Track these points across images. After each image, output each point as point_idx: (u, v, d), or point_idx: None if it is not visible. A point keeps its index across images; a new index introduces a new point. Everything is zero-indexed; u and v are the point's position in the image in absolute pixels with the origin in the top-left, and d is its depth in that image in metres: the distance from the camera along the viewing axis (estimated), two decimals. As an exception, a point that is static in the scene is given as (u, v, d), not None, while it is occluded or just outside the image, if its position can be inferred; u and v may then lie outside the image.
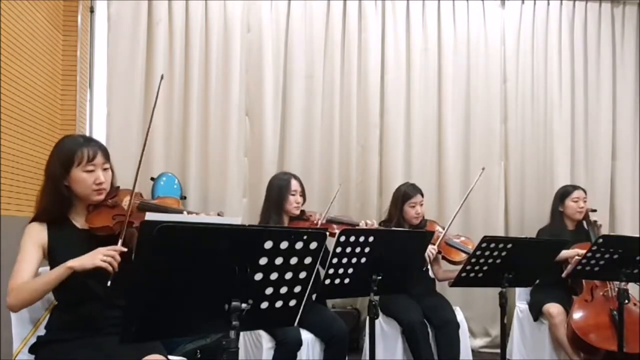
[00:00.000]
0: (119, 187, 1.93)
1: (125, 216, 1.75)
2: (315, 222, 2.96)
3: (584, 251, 2.98)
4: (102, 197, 1.83)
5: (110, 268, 1.63)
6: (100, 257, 1.63)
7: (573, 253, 3.04)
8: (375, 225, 2.99)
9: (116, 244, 1.74)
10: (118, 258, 1.65)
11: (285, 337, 2.52)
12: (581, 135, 4.28)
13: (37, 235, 1.79)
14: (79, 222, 1.85)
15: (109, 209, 1.84)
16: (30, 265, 1.74)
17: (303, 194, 3.00)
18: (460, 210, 4.00)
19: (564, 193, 3.50)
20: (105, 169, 1.84)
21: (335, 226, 2.93)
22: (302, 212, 3.01)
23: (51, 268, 1.80)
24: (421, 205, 3.22)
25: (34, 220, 1.82)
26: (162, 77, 2.06)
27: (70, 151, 1.79)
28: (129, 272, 1.71)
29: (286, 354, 2.53)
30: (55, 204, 1.80)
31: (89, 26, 3.88)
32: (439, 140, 4.15)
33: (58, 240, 1.80)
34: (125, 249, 1.69)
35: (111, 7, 3.81)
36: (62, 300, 1.83)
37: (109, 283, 1.63)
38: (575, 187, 3.51)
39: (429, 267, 3.20)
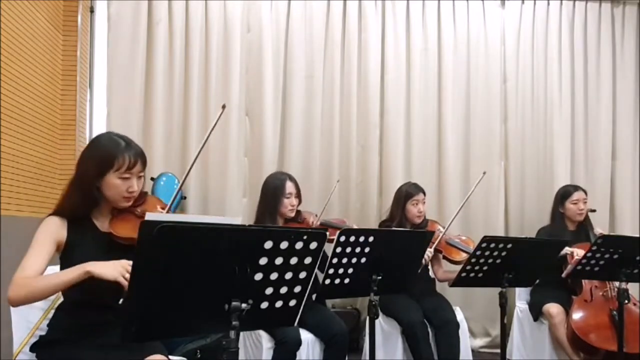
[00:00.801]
0: (146, 192, 1.89)
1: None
2: (309, 224, 2.95)
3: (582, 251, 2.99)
4: (129, 203, 1.79)
5: (126, 284, 1.51)
6: (122, 272, 1.55)
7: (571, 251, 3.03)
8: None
9: (133, 250, 1.71)
10: None
11: (284, 337, 2.52)
12: (581, 135, 4.28)
13: (56, 230, 1.72)
14: (101, 224, 1.80)
15: (136, 219, 1.77)
16: (41, 260, 1.65)
17: (299, 196, 2.96)
18: (460, 211, 4.02)
19: (564, 194, 3.49)
20: (139, 177, 1.79)
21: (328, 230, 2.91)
22: (299, 212, 2.99)
23: (61, 267, 1.76)
24: (423, 203, 3.22)
25: (54, 214, 1.75)
26: (224, 107, 2.05)
27: (111, 155, 1.72)
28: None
29: (285, 354, 2.52)
30: (83, 203, 1.75)
31: (89, 26, 3.88)
32: (439, 140, 4.15)
33: (77, 240, 1.74)
34: None
35: (111, 7, 3.81)
36: (70, 299, 1.79)
37: (121, 300, 1.57)
38: (575, 188, 3.49)
39: (429, 267, 3.20)
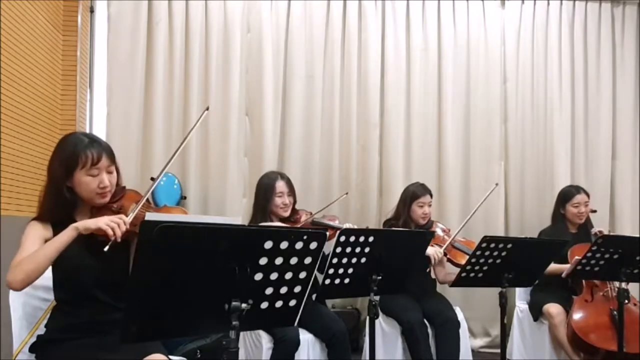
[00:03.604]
0: (124, 187, 1.88)
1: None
2: (300, 222, 2.91)
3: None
4: (106, 199, 1.79)
5: (110, 232, 1.59)
6: (104, 221, 1.61)
7: (563, 268, 3.02)
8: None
9: (119, 250, 1.72)
10: (123, 229, 1.62)
11: (284, 336, 2.52)
12: (581, 135, 4.28)
13: (41, 233, 1.74)
14: None
15: (113, 214, 1.76)
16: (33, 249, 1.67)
17: (292, 194, 2.93)
18: (460, 211, 4.02)
19: (565, 196, 3.47)
20: (109, 172, 1.78)
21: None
22: (296, 211, 2.98)
23: (53, 270, 1.78)
24: (429, 205, 3.22)
25: (36, 219, 1.77)
26: (207, 109, 2.15)
27: (74, 153, 1.72)
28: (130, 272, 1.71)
29: (284, 354, 2.52)
30: (58, 206, 1.75)
31: (89, 26, 3.88)
32: (439, 140, 4.15)
33: None
34: (128, 227, 1.64)
35: (111, 7, 3.81)
36: (61, 300, 1.81)
37: (106, 248, 1.58)
38: (578, 190, 3.45)
39: (430, 267, 3.20)
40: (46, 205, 1.77)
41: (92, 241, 1.74)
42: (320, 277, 1.96)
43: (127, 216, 1.72)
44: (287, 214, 2.91)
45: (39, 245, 1.69)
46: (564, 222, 3.46)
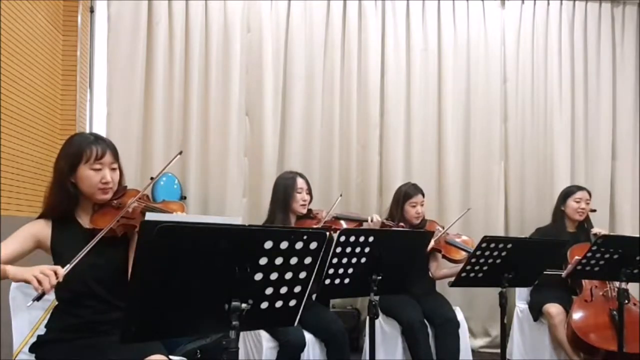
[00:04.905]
0: (126, 186, 1.91)
1: (121, 216, 1.73)
2: (320, 220, 2.95)
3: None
4: (108, 196, 1.81)
5: (36, 284, 1.52)
6: (33, 272, 1.54)
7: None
8: (380, 220, 3.05)
9: (120, 245, 1.74)
10: (53, 281, 1.54)
11: (288, 338, 2.52)
12: (581, 135, 4.29)
13: (37, 230, 1.78)
14: (85, 221, 1.83)
15: (114, 211, 1.81)
16: (8, 249, 1.71)
17: (310, 192, 2.99)
18: (460, 211, 4.02)
19: (567, 192, 3.50)
20: (113, 169, 1.82)
21: (343, 223, 2.96)
22: (310, 210, 3.00)
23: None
24: (422, 205, 3.23)
25: (40, 217, 1.82)
26: (180, 153, 2.09)
27: (79, 148, 1.77)
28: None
29: (290, 355, 2.52)
30: (61, 201, 1.79)
31: (89, 26, 3.88)
32: (439, 140, 4.15)
33: (62, 238, 1.79)
34: (60, 279, 1.57)
35: (111, 7, 3.81)
36: (62, 300, 1.82)
37: (29, 304, 1.56)
38: (580, 188, 3.49)
39: (428, 266, 3.20)
40: (49, 201, 1.82)
41: (91, 237, 1.75)
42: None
43: (129, 209, 1.76)
44: (305, 210, 2.96)
45: (23, 243, 1.75)
46: (563, 221, 3.47)
